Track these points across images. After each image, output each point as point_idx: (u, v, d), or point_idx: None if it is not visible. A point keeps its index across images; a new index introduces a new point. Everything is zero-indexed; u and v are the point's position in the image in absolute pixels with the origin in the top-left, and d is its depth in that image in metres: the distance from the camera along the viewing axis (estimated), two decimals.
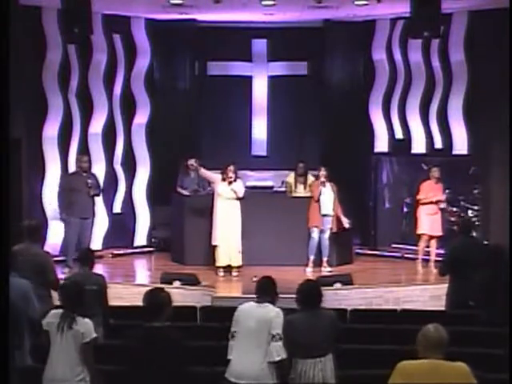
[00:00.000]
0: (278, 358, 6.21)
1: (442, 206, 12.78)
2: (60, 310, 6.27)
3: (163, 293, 5.82)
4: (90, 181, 12.48)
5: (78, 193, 12.44)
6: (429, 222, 12.63)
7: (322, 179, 12.55)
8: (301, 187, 13.21)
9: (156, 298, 5.74)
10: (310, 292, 6.38)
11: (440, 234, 12.69)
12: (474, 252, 8.76)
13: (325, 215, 12.54)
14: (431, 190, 12.68)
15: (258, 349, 6.22)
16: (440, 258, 11.70)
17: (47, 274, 8.00)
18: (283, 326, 6.29)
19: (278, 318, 6.26)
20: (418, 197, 12.77)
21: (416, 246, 13.01)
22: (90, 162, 13.08)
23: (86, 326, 6.18)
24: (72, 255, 11.99)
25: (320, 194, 12.49)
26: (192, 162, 12.75)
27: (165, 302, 5.72)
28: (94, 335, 6.22)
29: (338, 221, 12.61)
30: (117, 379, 6.48)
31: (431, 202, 12.63)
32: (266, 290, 6.44)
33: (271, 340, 6.21)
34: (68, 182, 12.70)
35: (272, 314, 6.27)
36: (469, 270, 8.62)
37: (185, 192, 13.47)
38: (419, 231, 12.75)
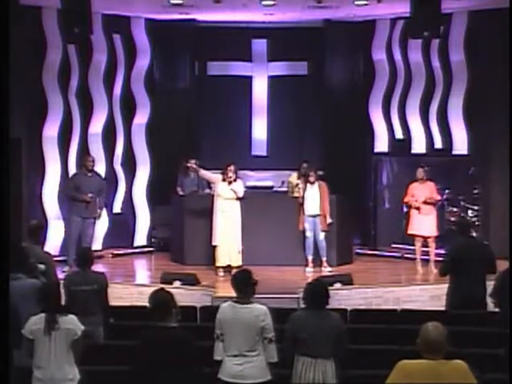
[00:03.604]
0: (273, 360, 6.26)
1: (436, 198, 12.64)
2: (40, 315, 6.19)
3: (168, 292, 5.84)
4: (90, 195, 12.47)
5: (80, 192, 12.48)
6: (419, 222, 12.50)
7: (297, 181, 12.57)
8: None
9: (165, 298, 5.75)
10: (316, 292, 6.36)
11: (434, 234, 12.57)
12: (474, 252, 8.77)
13: (311, 216, 12.51)
14: (417, 192, 12.54)
15: (251, 349, 6.21)
16: (440, 258, 11.71)
17: (48, 274, 7.99)
18: (286, 324, 6.30)
19: (268, 321, 6.22)
20: (405, 200, 12.73)
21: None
22: (94, 161, 13.07)
23: (72, 322, 6.15)
24: (73, 254, 12.02)
25: (303, 197, 12.47)
26: (192, 163, 12.72)
27: (172, 301, 5.74)
28: (82, 327, 6.19)
29: (325, 220, 12.57)
30: (117, 379, 6.49)
31: (423, 202, 12.52)
32: (246, 286, 6.32)
33: (266, 343, 6.23)
34: (72, 181, 12.78)
35: (260, 318, 6.20)
36: (469, 270, 8.63)
37: (181, 192, 13.48)
38: (409, 231, 12.71)
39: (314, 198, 12.49)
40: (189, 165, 12.87)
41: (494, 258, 8.82)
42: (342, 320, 6.45)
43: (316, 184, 12.52)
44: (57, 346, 6.08)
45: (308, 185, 12.52)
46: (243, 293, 6.30)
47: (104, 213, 14.22)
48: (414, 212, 12.61)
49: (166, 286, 10.78)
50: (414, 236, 12.69)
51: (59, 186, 13.55)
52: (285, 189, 13.71)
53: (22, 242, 8.22)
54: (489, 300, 8.56)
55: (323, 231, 12.52)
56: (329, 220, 12.52)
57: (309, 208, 12.48)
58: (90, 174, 12.71)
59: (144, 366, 5.59)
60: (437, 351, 4.77)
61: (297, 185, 12.69)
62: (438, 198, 12.81)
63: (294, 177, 13.43)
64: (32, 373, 6.14)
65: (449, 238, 12.56)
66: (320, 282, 6.99)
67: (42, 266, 7.48)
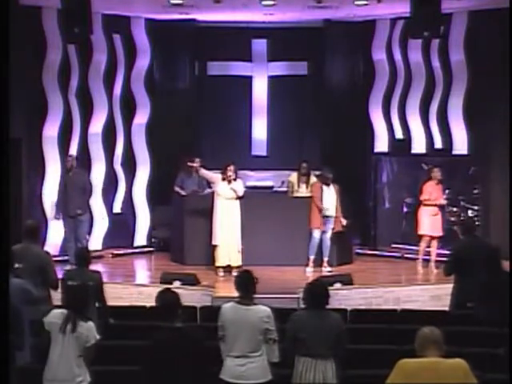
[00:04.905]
0: (275, 360, 6.29)
1: (443, 202, 12.73)
2: (62, 311, 6.24)
3: (174, 292, 5.85)
4: (79, 211, 12.62)
5: (68, 192, 12.59)
6: (430, 222, 12.61)
7: (317, 181, 12.62)
8: (303, 187, 13.20)
9: (171, 298, 5.76)
10: (316, 292, 6.37)
11: (440, 234, 12.68)
12: (479, 252, 8.76)
13: (326, 217, 12.55)
14: (434, 191, 12.66)
15: (254, 350, 6.24)
16: (440, 258, 11.73)
17: (47, 273, 8.01)
18: (287, 324, 6.30)
19: (271, 322, 6.26)
20: (422, 197, 12.74)
21: (416, 246, 12.99)
22: (72, 160, 13.04)
23: (90, 329, 6.18)
24: (71, 253, 12.16)
25: (322, 197, 12.51)
26: (196, 161, 12.64)
27: (179, 301, 5.76)
28: (98, 337, 6.22)
29: (339, 221, 12.61)
30: (117, 379, 6.50)
31: (434, 204, 12.59)
32: (249, 287, 6.35)
33: (268, 344, 6.25)
34: (62, 182, 12.86)
35: (264, 320, 6.23)
36: (473, 270, 8.62)
37: (183, 192, 13.50)
38: (420, 232, 12.73)
39: (331, 200, 12.52)
40: (193, 164, 12.73)
41: (498, 257, 8.79)
42: (342, 320, 6.45)
43: (332, 185, 12.56)
44: (69, 347, 6.09)
45: (324, 186, 12.56)
46: (246, 293, 6.32)
47: (104, 213, 14.27)
48: (424, 212, 12.64)
49: (166, 286, 10.83)
50: (422, 236, 12.70)
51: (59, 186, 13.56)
52: (285, 189, 13.72)
53: (21, 242, 8.21)
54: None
55: (336, 232, 12.56)
56: (344, 222, 12.58)
57: (329, 209, 12.52)
58: (70, 174, 12.79)
59: (154, 366, 5.59)
60: (435, 347, 4.80)
61: (320, 188, 12.63)
62: (444, 201, 12.87)
63: (293, 177, 13.44)
64: (35, 371, 6.16)
65: (449, 238, 12.59)
66: (320, 282, 6.99)
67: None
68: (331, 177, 12.57)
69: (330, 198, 12.55)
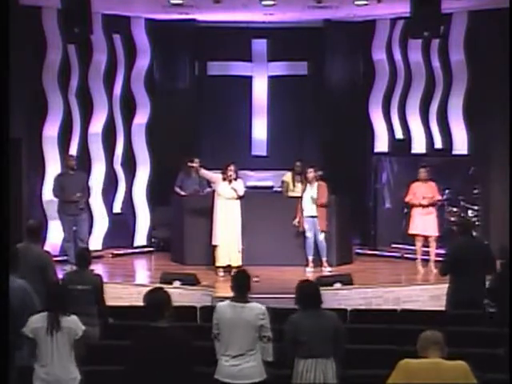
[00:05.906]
0: (269, 359, 6.30)
1: (423, 202, 12.61)
2: (42, 314, 6.22)
3: (164, 292, 5.83)
4: (78, 194, 12.57)
5: (67, 191, 12.56)
6: (421, 222, 12.55)
7: (299, 179, 12.64)
8: (298, 186, 13.17)
9: (158, 298, 5.74)
10: (308, 293, 6.37)
11: (435, 234, 12.60)
12: (475, 252, 8.77)
13: (309, 216, 12.48)
14: (418, 191, 12.60)
15: (250, 348, 6.25)
16: (440, 258, 11.72)
17: (47, 274, 8.01)
18: (285, 326, 6.31)
19: (266, 319, 6.28)
20: (406, 199, 12.76)
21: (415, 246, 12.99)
22: (75, 160, 13.06)
23: (75, 321, 6.21)
24: (71, 253, 12.16)
25: (301, 196, 12.48)
26: (196, 162, 12.63)
27: (167, 301, 5.74)
28: (84, 328, 6.23)
29: (323, 221, 12.48)
30: (117, 379, 6.50)
31: (422, 203, 12.55)
32: (244, 286, 6.37)
33: (263, 342, 6.26)
34: (57, 182, 12.83)
35: (260, 317, 6.25)
36: (469, 270, 8.63)
37: (183, 192, 13.50)
38: (410, 231, 12.73)
39: (310, 200, 12.45)
40: (193, 164, 12.70)
41: (494, 258, 8.82)
42: (338, 318, 6.46)
43: (315, 184, 12.49)
44: (59, 346, 6.10)
45: (308, 185, 12.51)
46: (241, 292, 6.33)
47: (104, 213, 14.27)
48: (414, 212, 12.63)
49: (166, 286, 10.80)
50: (415, 236, 12.70)
51: None
52: (280, 188, 13.71)
53: (21, 242, 8.22)
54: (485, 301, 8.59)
55: (322, 232, 12.50)
56: (318, 227, 12.40)
57: (307, 208, 12.47)
58: (72, 173, 12.79)
59: (133, 366, 5.58)
60: (436, 347, 4.81)
61: (304, 186, 12.61)
62: (439, 197, 12.83)
63: (288, 176, 13.45)
64: (32, 372, 6.16)
65: (449, 238, 12.57)
66: (310, 282, 7.00)
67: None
68: (311, 172, 12.44)
69: (307, 198, 12.46)
